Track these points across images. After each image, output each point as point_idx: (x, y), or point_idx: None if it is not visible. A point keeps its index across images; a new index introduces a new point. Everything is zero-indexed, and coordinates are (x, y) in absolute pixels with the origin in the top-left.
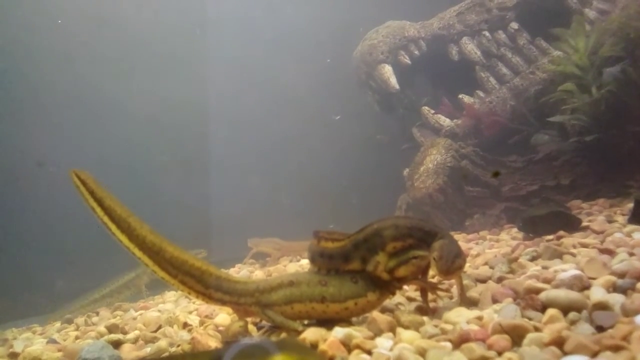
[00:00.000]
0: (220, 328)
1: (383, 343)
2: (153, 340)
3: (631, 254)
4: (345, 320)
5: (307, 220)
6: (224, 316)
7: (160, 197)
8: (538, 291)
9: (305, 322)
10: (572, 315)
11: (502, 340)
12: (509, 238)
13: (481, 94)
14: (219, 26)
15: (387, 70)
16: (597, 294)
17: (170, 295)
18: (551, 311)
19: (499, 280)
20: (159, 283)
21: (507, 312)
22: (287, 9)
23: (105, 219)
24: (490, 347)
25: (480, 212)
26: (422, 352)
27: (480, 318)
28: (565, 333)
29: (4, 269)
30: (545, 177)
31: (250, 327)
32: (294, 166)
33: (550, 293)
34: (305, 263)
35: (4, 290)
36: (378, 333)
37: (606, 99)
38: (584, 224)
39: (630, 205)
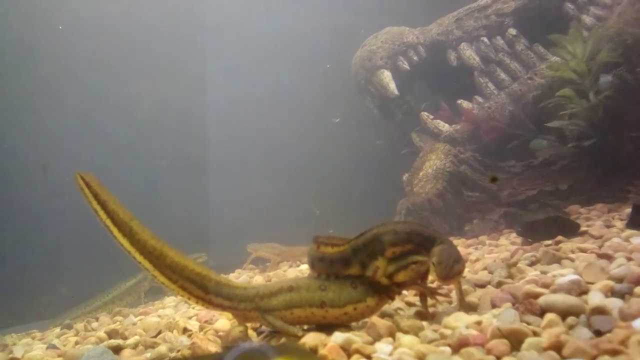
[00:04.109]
0: (220, 333)
1: (382, 348)
2: (153, 345)
3: (629, 259)
4: (344, 325)
5: (307, 225)
6: (223, 321)
7: (160, 202)
8: (537, 296)
9: (305, 327)
10: (571, 319)
11: (501, 344)
12: (508, 243)
13: (480, 99)
14: (219, 32)
15: (386, 76)
16: (595, 298)
17: (170, 300)
18: (550, 316)
19: (498, 285)
20: (159, 289)
21: (506, 317)
22: (286, 15)
23: (108, 222)
24: (489, 352)
25: (479, 217)
26: (421, 357)
27: (479, 323)
28: (564, 337)
29: (4, 275)
30: (544, 182)
31: (250, 332)
32: (293, 171)
33: (548, 298)
34: (304, 268)
35: (3, 296)
36: (377, 338)
37: (604, 104)
38: (583, 228)
39: (629, 210)
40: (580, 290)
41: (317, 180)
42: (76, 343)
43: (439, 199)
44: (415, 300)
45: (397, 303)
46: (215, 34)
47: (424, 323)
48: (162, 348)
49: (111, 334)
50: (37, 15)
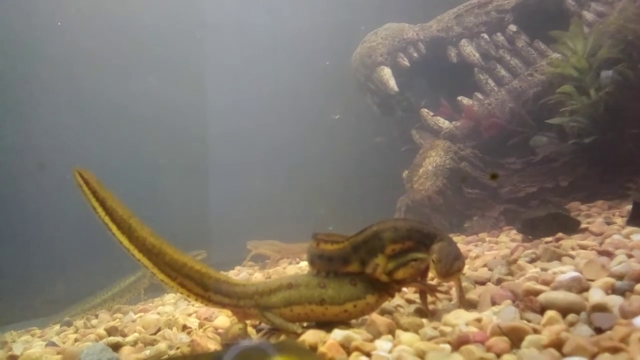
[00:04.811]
0: (220, 330)
1: (382, 345)
2: (152, 342)
3: (630, 256)
4: (344, 323)
5: (307, 222)
6: (223, 319)
7: (160, 199)
8: (537, 293)
9: (305, 324)
10: (571, 317)
11: (501, 342)
12: (508, 240)
13: (480, 96)
14: (218, 29)
15: (386, 73)
16: (595, 295)
17: (170, 297)
18: (550, 313)
19: (498, 282)
20: (158, 286)
21: (506, 314)
22: (286, 13)
23: (107, 219)
24: (489, 349)
25: (479, 214)
26: (421, 355)
27: (479, 320)
28: (564, 335)
29: (2, 272)
30: (544, 179)
31: (250, 329)
32: (293, 168)
33: (549, 295)
34: (304, 265)
35: (3, 293)
36: (377, 335)
37: (605, 101)
38: (583, 225)
39: (629, 207)
40: (581, 287)
41: (317, 177)
42: (75, 340)
43: (438, 196)
44: (415, 297)
45: (397, 300)
46: (215, 31)
47: (424, 320)
48: (162, 345)
49: (111, 331)
50: (35, 13)
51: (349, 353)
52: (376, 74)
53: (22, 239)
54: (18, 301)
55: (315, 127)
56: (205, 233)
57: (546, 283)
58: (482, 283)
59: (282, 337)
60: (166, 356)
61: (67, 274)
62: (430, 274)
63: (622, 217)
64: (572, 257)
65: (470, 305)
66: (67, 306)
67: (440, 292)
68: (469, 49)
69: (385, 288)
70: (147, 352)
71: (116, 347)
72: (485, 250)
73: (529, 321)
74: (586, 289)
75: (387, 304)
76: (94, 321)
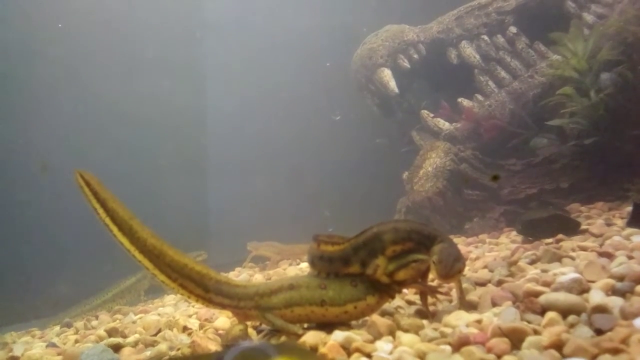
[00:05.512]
0: (220, 332)
1: (383, 346)
2: (153, 343)
3: (630, 257)
4: (344, 324)
5: (307, 223)
6: (223, 320)
7: (160, 201)
8: (537, 294)
9: (305, 325)
10: (572, 318)
11: (502, 343)
12: (508, 241)
13: (480, 97)
14: (218, 30)
15: (387, 74)
16: (596, 297)
17: (170, 298)
18: (550, 314)
19: (499, 283)
20: (159, 287)
21: (507, 315)
22: (287, 13)
23: (108, 220)
24: (489, 350)
25: (480, 216)
26: (421, 356)
27: (479, 321)
28: (565, 336)
29: (3, 273)
30: (544, 180)
31: (250, 330)
32: (294, 170)
33: (549, 296)
34: (305, 266)
35: (3, 294)
36: (378, 336)
37: (605, 102)
38: (583, 227)
39: (629, 208)
40: (581, 288)
41: (317, 178)
42: (76, 341)
43: (439, 197)
44: (416, 298)
45: (398, 301)
46: (215, 31)
47: (424, 321)
48: (162, 346)
49: (111, 332)
50: (37, 14)
51: (349, 354)
52: (376, 76)
53: (23, 240)
54: (19, 302)
55: (315, 128)
56: (205, 234)
57: (546, 284)
58: (483, 284)
59: (283, 338)
60: (167, 357)
61: (68, 275)
62: (431, 275)
63: (622, 218)
64: (573, 258)
65: (471, 307)
66: (68, 307)
67: (441, 293)
68: (469, 51)
69: (386, 289)
70: (148, 353)
71: (117, 348)
72: (485, 252)
73: (529, 322)
74: (586, 291)
75: (388, 305)
76: (95, 322)
